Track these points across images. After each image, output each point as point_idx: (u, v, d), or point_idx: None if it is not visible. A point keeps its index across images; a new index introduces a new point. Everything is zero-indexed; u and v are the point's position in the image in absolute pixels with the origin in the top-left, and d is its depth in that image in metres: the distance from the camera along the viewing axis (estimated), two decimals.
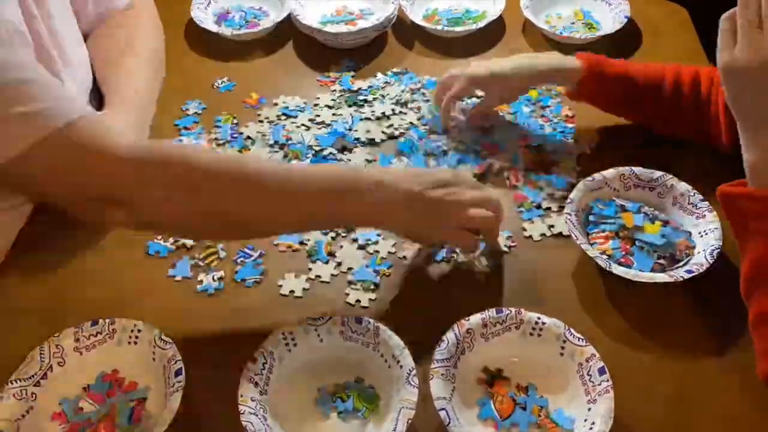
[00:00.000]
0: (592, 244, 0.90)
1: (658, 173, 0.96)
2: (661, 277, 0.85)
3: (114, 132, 0.81)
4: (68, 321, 0.83)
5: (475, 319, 0.81)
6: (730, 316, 0.84)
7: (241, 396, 0.76)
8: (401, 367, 0.78)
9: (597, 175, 0.96)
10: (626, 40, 1.25)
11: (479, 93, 1.11)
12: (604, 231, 0.92)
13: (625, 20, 1.24)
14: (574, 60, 1.03)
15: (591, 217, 0.94)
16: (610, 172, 0.96)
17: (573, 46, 1.24)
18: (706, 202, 0.93)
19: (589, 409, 0.76)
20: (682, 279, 0.85)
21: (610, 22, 1.27)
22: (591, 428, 0.73)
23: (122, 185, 0.79)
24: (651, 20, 1.29)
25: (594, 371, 0.77)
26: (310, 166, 0.94)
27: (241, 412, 0.74)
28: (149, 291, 0.92)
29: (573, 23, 1.27)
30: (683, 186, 0.95)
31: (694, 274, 0.85)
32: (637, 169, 0.97)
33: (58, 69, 0.96)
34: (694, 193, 0.94)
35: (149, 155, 0.80)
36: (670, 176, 0.96)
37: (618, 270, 0.86)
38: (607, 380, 0.76)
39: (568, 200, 0.93)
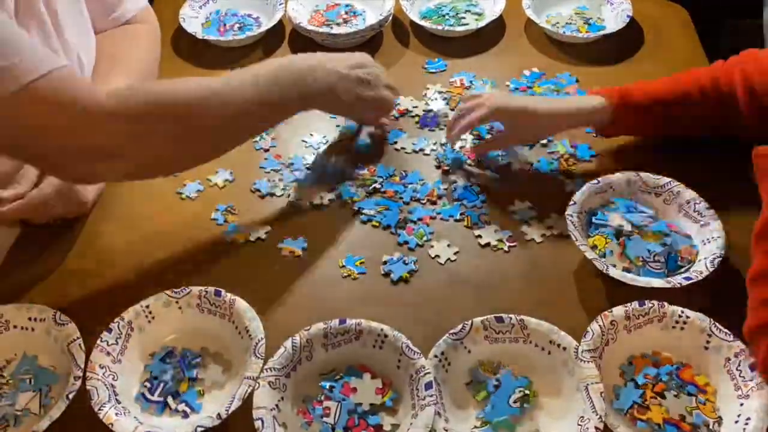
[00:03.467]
0: (593, 247, 0.89)
1: (665, 179, 0.95)
2: (658, 282, 0.84)
3: (90, 84, 0.82)
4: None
5: (619, 311, 0.81)
6: (731, 323, 0.83)
7: (90, 362, 0.78)
8: (251, 337, 0.80)
9: (603, 179, 0.95)
10: (628, 39, 1.24)
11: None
12: (604, 233, 0.90)
13: (628, 19, 1.23)
14: (599, 99, 1.00)
15: (594, 219, 0.92)
16: (617, 176, 0.95)
17: (575, 46, 1.24)
18: (712, 210, 0.91)
19: (741, 405, 0.75)
20: (679, 285, 0.84)
21: (612, 21, 1.26)
22: (746, 423, 0.73)
23: (114, 139, 0.79)
24: (652, 20, 1.28)
25: (744, 367, 0.76)
26: (253, 71, 0.93)
27: (88, 378, 0.77)
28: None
29: (575, 23, 1.26)
30: (689, 193, 0.94)
31: (692, 281, 0.84)
32: (644, 175, 0.95)
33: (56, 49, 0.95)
34: (700, 201, 0.93)
35: (134, 102, 0.81)
36: (677, 183, 0.94)
37: (614, 273, 0.85)
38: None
39: (572, 201, 0.92)
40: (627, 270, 0.88)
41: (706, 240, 0.90)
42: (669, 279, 0.85)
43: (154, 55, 1.15)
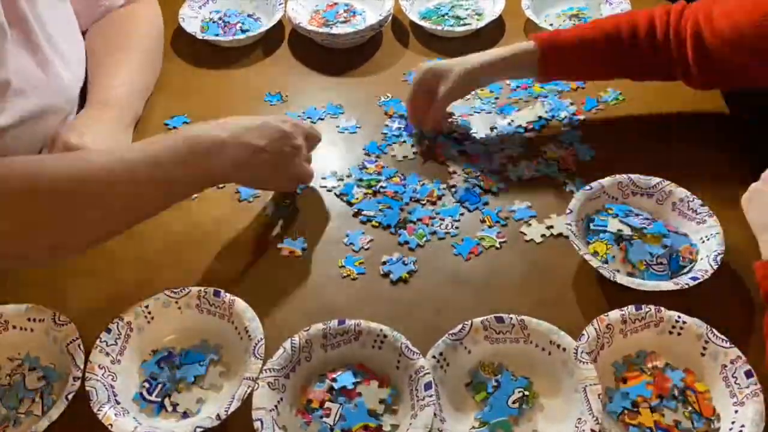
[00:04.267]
0: (594, 254, 0.89)
1: (656, 179, 0.95)
2: (666, 285, 0.84)
3: None
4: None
5: (615, 314, 0.81)
6: (731, 321, 0.83)
7: (90, 362, 0.78)
8: (250, 338, 0.80)
9: (595, 184, 0.94)
10: None
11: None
12: (604, 239, 0.90)
13: None
14: (527, 43, 1.03)
15: (592, 225, 0.92)
16: (607, 180, 0.95)
17: None
18: (706, 207, 0.91)
19: (736, 412, 0.74)
20: (687, 286, 0.84)
21: None
22: (741, 430, 0.72)
23: None
24: None
25: (740, 374, 0.76)
26: (148, 146, 0.83)
27: (87, 378, 0.76)
28: None
29: (574, 23, 1.26)
30: (681, 191, 0.94)
31: (699, 280, 0.84)
32: (635, 177, 0.95)
33: (46, 54, 0.96)
34: (693, 198, 0.93)
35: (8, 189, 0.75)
36: (668, 182, 0.94)
37: (622, 280, 0.85)
38: (756, 383, 0.74)
39: (568, 210, 0.92)
40: (630, 274, 0.87)
41: (704, 237, 0.90)
42: (677, 281, 0.85)
43: (156, 31, 1.17)
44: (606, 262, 0.88)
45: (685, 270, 0.88)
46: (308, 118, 1.14)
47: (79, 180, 0.78)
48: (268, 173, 0.91)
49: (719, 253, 0.86)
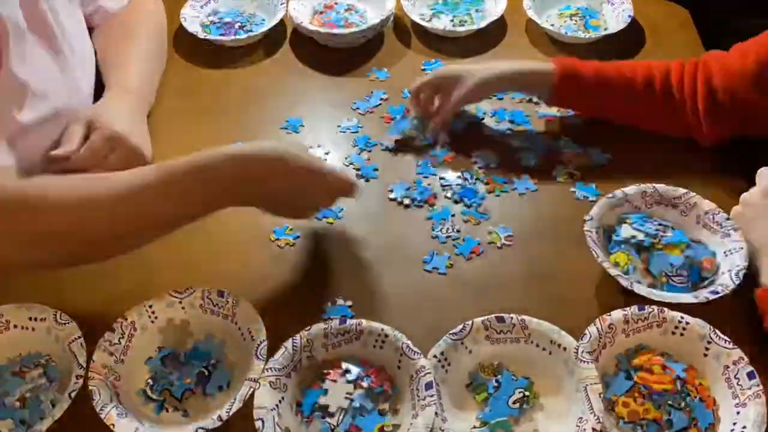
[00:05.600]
0: (615, 264, 0.88)
1: (681, 191, 0.93)
2: (685, 298, 0.83)
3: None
4: None
5: (617, 314, 0.81)
6: (751, 338, 0.83)
7: (93, 361, 0.78)
8: (253, 339, 0.80)
9: (618, 192, 0.93)
10: (629, 39, 1.24)
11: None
12: (626, 250, 0.89)
13: (629, 20, 1.23)
14: (547, 64, 1.04)
15: (614, 237, 0.90)
16: (631, 189, 0.93)
17: (577, 46, 1.24)
18: (731, 221, 0.89)
19: (738, 413, 0.75)
20: (706, 300, 0.82)
21: (613, 21, 1.26)
22: None
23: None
24: (652, 20, 1.28)
25: (742, 375, 0.76)
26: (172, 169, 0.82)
27: (90, 378, 0.77)
28: None
29: (576, 23, 1.26)
30: (707, 204, 0.92)
31: (719, 295, 0.82)
32: (660, 187, 0.93)
33: (66, 57, 0.99)
34: (719, 212, 0.91)
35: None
36: (693, 194, 0.92)
37: (641, 290, 0.84)
38: (758, 384, 0.74)
39: (588, 216, 0.90)
40: (652, 286, 0.86)
41: (728, 251, 0.88)
42: (696, 294, 0.83)
43: (161, 22, 1.20)
44: (627, 272, 0.87)
45: (706, 283, 0.86)
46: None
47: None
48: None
49: (742, 269, 0.84)
